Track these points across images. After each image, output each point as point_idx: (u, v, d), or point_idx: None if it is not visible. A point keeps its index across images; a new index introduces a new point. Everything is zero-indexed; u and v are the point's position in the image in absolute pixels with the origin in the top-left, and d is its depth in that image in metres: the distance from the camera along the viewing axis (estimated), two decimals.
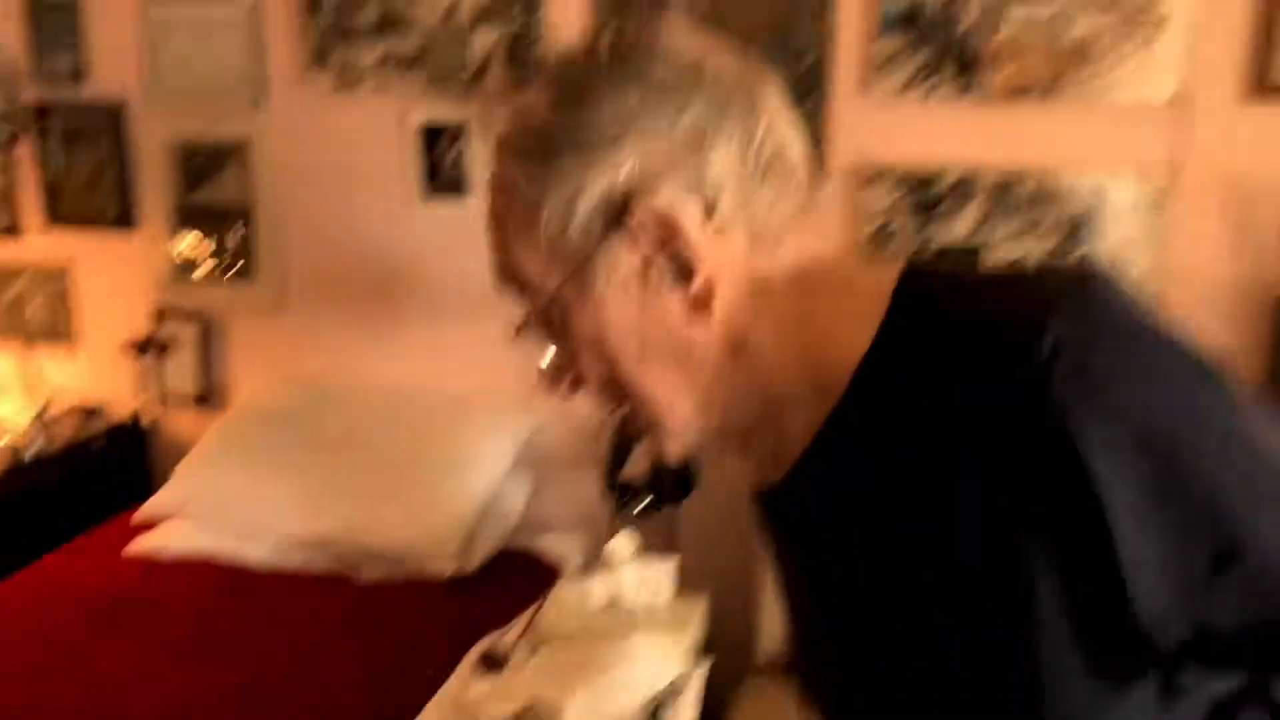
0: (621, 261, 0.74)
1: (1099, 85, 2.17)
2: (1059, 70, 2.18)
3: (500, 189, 0.76)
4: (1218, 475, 0.64)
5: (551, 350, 0.78)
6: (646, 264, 0.74)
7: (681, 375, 0.76)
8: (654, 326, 0.75)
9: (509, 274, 0.77)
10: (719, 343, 0.76)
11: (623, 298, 0.74)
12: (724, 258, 0.73)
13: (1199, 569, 0.65)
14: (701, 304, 0.74)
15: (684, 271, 0.73)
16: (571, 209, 0.73)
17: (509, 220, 0.76)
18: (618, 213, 0.72)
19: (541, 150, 0.73)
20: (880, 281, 0.74)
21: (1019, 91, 2.20)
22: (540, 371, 0.79)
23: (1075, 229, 2.22)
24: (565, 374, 0.79)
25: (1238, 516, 0.64)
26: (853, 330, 0.73)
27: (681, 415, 0.77)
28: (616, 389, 0.77)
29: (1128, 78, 2.15)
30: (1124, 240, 2.20)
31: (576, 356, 0.77)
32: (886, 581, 0.75)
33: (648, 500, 2.32)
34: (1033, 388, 0.63)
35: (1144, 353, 0.65)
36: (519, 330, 0.78)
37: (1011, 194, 2.24)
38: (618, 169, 0.71)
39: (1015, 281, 0.76)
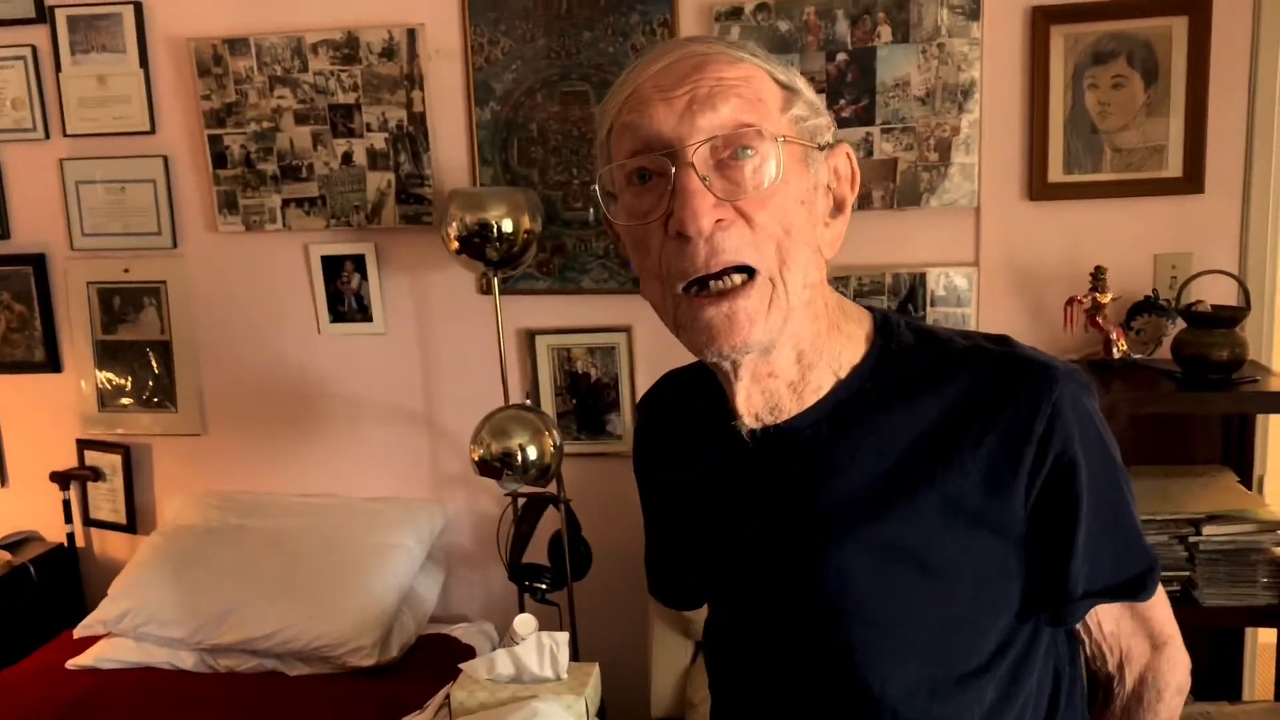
0: (821, 169, 0.98)
1: (907, 195, 2.58)
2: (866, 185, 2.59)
3: (746, 65, 0.95)
4: (1129, 505, 1.03)
5: (713, 199, 0.91)
6: (827, 188, 0.99)
7: (805, 276, 0.95)
8: (810, 230, 0.96)
9: (740, 119, 0.92)
10: (822, 282, 0.99)
11: (810, 194, 0.96)
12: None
13: (1103, 549, 1.00)
14: (832, 243, 0.99)
15: (833, 211, 1.00)
16: (816, 110, 0.97)
17: (761, 85, 0.94)
18: (829, 143, 0.98)
19: (785, 66, 0.98)
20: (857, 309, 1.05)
21: None
22: (700, 206, 0.90)
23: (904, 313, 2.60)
24: (720, 215, 0.91)
25: (1132, 520, 1.03)
26: (854, 332, 1.03)
27: (790, 302, 0.94)
28: (756, 245, 0.92)
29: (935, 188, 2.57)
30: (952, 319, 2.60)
31: (755, 206, 0.91)
32: (890, 495, 0.97)
33: (549, 581, 2.61)
34: (1054, 405, 0.95)
35: (1097, 415, 1.00)
36: (722, 163, 0.92)
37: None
38: (830, 123, 0.99)
39: (989, 338, 1.06)
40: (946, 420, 0.98)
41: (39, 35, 2.92)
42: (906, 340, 1.03)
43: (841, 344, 1.02)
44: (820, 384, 1.01)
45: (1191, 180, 2.48)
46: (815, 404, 1.01)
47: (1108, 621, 1.07)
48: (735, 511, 1.06)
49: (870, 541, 0.97)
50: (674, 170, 0.91)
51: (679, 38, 1.01)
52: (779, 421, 1.01)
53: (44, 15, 2.90)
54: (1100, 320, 2.44)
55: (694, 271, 0.91)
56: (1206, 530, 2.21)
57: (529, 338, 2.81)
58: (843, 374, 1.01)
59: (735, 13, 2.58)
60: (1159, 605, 1.08)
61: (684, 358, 1.07)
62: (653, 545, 1.28)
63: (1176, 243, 2.52)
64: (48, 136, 2.97)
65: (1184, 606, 2.17)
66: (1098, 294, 2.43)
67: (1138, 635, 1.08)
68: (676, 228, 0.90)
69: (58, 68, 2.91)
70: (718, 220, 0.90)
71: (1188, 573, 2.22)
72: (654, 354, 2.73)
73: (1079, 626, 1.07)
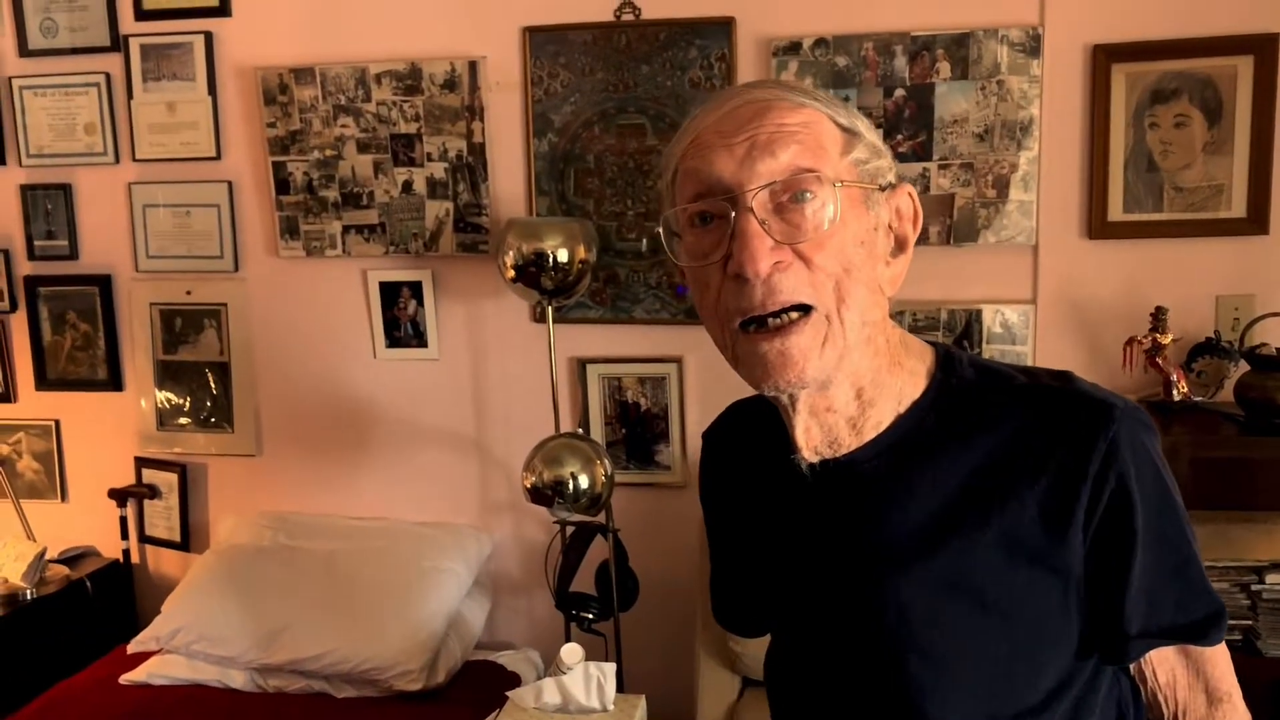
0: (882, 210, 0.99)
1: (964, 231, 2.57)
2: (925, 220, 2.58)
3: (808, 110, 0.96)
4: (1192, 546, 1.01)
5: (772, 242, 0.92)
6: (889, 227, 1.00)
7: (864, 314, 0.96)
8: (870, 270, 0.97)
9: (799, 165, 0.93)
10: (883, 319, 1.00)
11: (870, 234, 0.97)
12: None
13: (1164, 589, 0.99)
14: (893, 281, 1.00)
15: (895, 250, 1.01)
16: (877, 152, 0.99)
17: (822, 130, 0.96)
18: (891, 184, 0.99)
19: (847, 109, 0.99)
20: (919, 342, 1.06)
21: None
22: (759, 249, 0.91)
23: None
24: (779, 257, 0.92)
25: (1195, 562, 1.01)
26: (916, 368, 1.03)
27: (848, 340, 0.95)
28: (813, 284, 0.93)
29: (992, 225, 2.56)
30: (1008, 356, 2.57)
31: (814, 248, 0.93)
32: (947, 531, 0.97)
33: (596, 611, 2.61)
34: (1111, 441, 0.95)
35: (1156, 454, 0.99)
36: (780, 203, 0.93)
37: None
38: (892, 163, 1.01)
39: (1050, 374, 1.06)
40: (1004, 457, 0.98)
41: (113, 63, 3.00)
42: (967, 376, 1.04)
43: (903, 380, 1.02)
44: (880, 419, 1.01)
45: (1255, 221, 2.45)
46: (874, 439, 1.01)
47: (1163, 671, 1.05)
48: (796, 544, 1.07)
49: (928, 577, 0.98)
50: (734, 214, 0.93)
51: (743, 84, 1.03)
52: (838, 455, 1.02)
53: (118, 44, 2.99)
54: (1160, 361, 2.41)
55: (751, 310, 0.94)
56: (1270, 579, 2.16)
57: (580, 366, 2.82)
58: (903, 409, 1.02)
59: (793, 48, 2.59)
60: (1220, 658, 1.05)
61: (734, 389, 1.08)
62: (717, 572, 1.29)
63: (1239, 284, 2.49)
64: (118, 161, 3.05)
65: (1246, 656, 2.12)
66: (1158, 334, 2.40)
67: (1194, 689, 1.05)
68: (735, 269, 0.93)
69: (129, 94, 2.99)
70: (776, 262, 0.92)
71: (1250, 621, 2.17)
72: (704, 385, 2.74)
73: (1136, 672, 1.06)
